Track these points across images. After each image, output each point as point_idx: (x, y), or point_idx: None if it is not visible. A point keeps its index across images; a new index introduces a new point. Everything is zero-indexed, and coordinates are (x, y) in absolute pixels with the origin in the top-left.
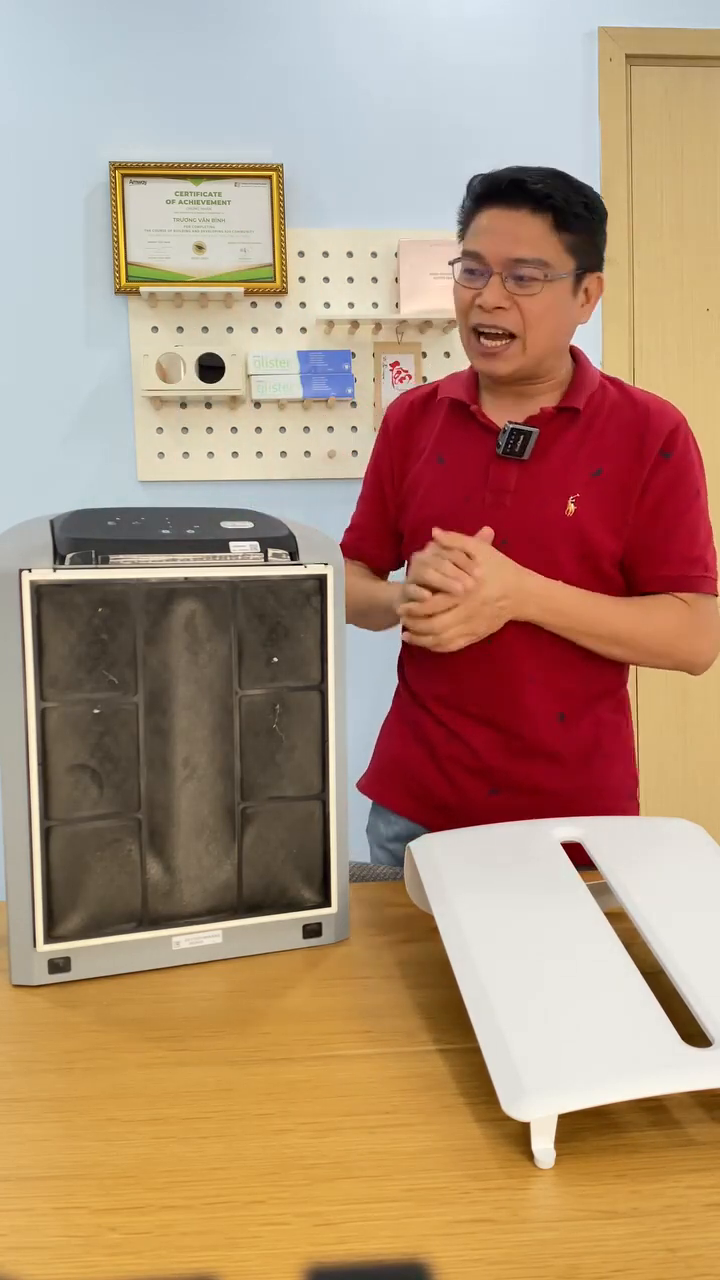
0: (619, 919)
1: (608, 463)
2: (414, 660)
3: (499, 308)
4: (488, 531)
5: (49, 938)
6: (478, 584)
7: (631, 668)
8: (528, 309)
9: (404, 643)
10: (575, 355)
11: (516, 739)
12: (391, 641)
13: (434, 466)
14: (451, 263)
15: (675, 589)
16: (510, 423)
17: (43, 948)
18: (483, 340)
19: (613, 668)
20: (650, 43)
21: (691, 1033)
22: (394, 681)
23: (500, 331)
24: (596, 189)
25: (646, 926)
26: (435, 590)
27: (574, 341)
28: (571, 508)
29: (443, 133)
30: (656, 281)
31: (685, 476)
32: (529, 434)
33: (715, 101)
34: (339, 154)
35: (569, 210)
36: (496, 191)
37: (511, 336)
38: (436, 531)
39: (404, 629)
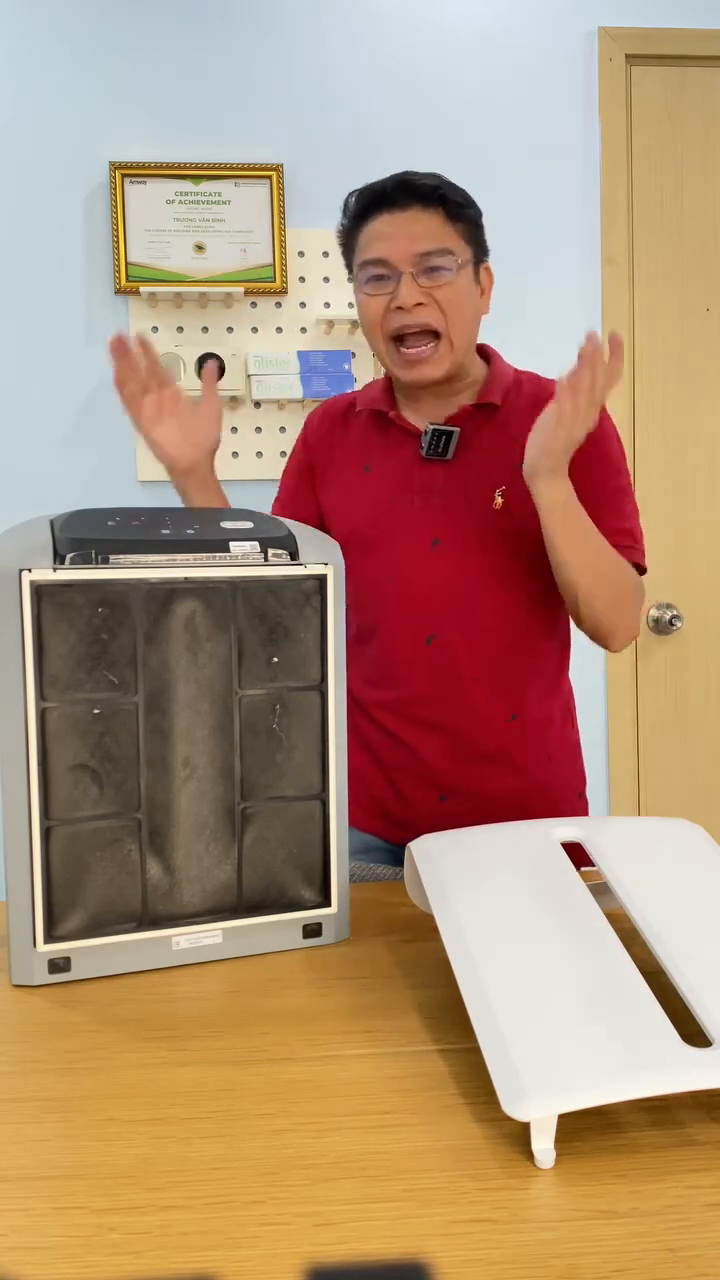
0: (619, 919)
1: None
2: (359, 669)
3: (419, 304)
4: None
5: (49, 938)
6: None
7: (587, 676)
8: (445, 300)
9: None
10: (487, 353)
11: (465, 742)
12: None
13: (360, 475)
14: (351, 279)
15: None
16: (431, 424)
17: (43, 948)
18: (404, 350)
19: (553, 663)
20: (650, 43)
21: (691, 1033)
22: None
23: (421, 329)
24: (596, 189)
25: (646, 926)
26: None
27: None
28: (499, 500)
29: (443, 132)
30: (656, 281)
31: (602, 452)
32: (450, 433)
33: (715, 101)
34: (339, 154)
35: (454, 200)
36: (383, 197)
37: (434, 335)
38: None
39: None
